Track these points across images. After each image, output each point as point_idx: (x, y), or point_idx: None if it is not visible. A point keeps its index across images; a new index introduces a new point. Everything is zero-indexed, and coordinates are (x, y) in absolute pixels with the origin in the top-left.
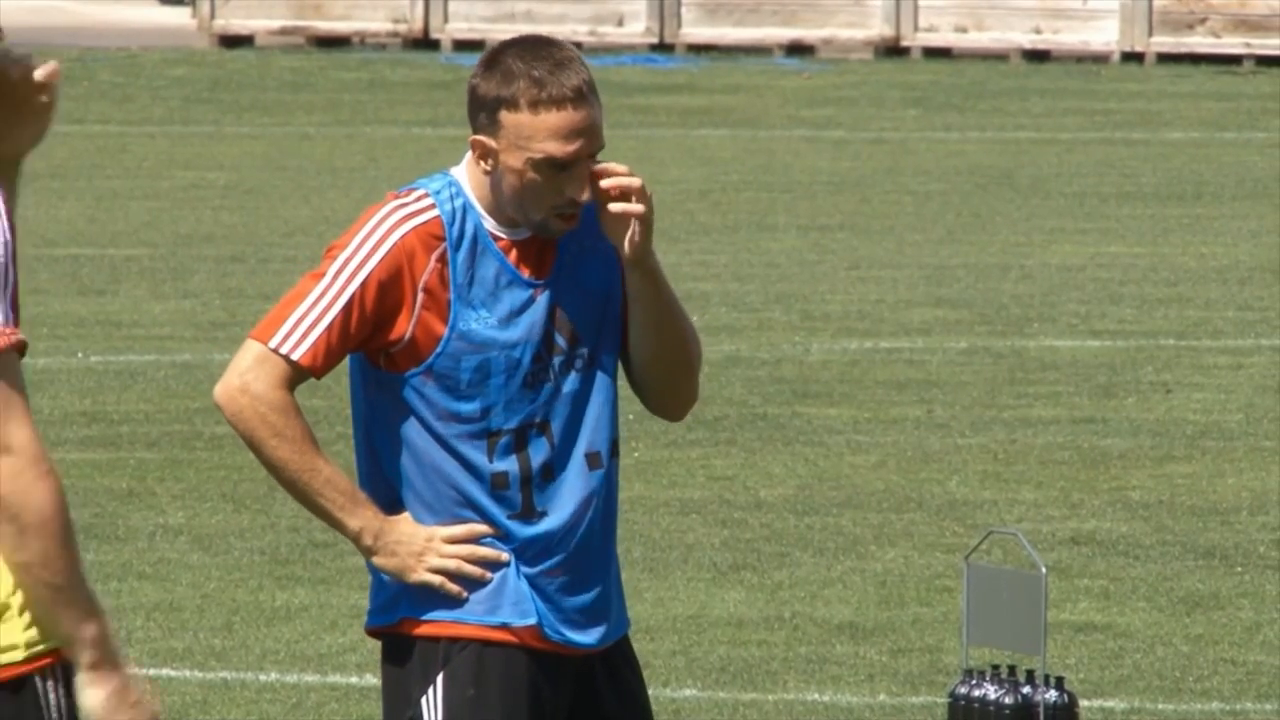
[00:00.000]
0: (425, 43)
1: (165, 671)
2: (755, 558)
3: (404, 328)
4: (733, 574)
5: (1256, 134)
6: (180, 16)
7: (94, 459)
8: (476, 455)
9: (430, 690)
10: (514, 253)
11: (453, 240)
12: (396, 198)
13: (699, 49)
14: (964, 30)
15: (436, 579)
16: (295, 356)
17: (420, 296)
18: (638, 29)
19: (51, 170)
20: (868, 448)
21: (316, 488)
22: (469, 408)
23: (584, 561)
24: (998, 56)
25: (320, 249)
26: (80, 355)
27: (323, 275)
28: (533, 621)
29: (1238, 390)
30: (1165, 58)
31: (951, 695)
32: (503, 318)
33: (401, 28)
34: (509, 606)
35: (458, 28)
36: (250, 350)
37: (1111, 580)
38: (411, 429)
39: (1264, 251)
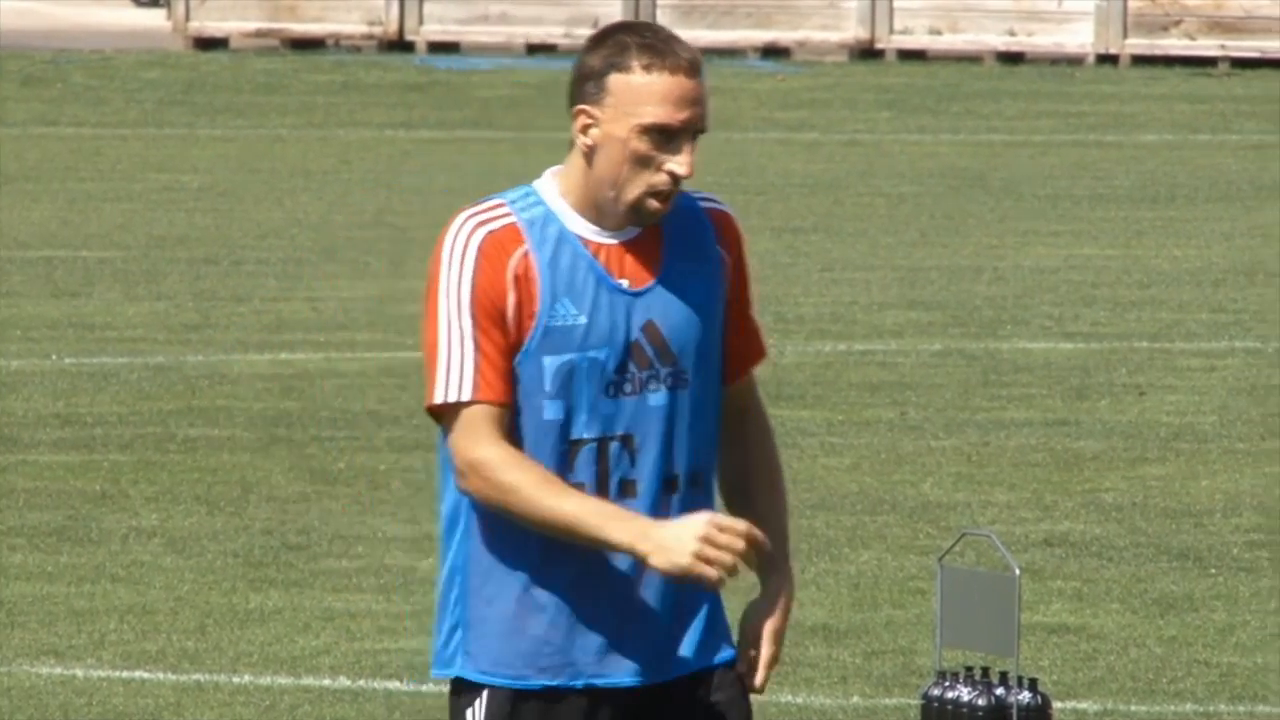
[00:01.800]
0: (400, 45)
1: (138, 674)
2: None
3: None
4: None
5: (1230, 136)
6: (155, 19)
7: (67, 461)
8: (557, 462)
9: None
10: (604, 255)
11: (534, 240)
12: (467, 209)
13: None
14: (938, 32)
15: (713, 573)
16: (469, 398)
17: (511, 294)
18: None
19: (25, 172)
20: (841, 450)
21: (569, 524)
22: (552, 411)
23: (661, 591)
24: (972, 59)
25: (293, 251)
26: (54, 357)
27: (437, 315)
28: (575, 684)
29: (1211, 392)
30: (1140, 60)
31: (924, 697)
32: (590, 318)
33: (376, 30)
34: (552, 668)
35: (432, 30)
36: (443, 425)
37: (1085, 582)
38: (517, 427)
39: (1237, 253)
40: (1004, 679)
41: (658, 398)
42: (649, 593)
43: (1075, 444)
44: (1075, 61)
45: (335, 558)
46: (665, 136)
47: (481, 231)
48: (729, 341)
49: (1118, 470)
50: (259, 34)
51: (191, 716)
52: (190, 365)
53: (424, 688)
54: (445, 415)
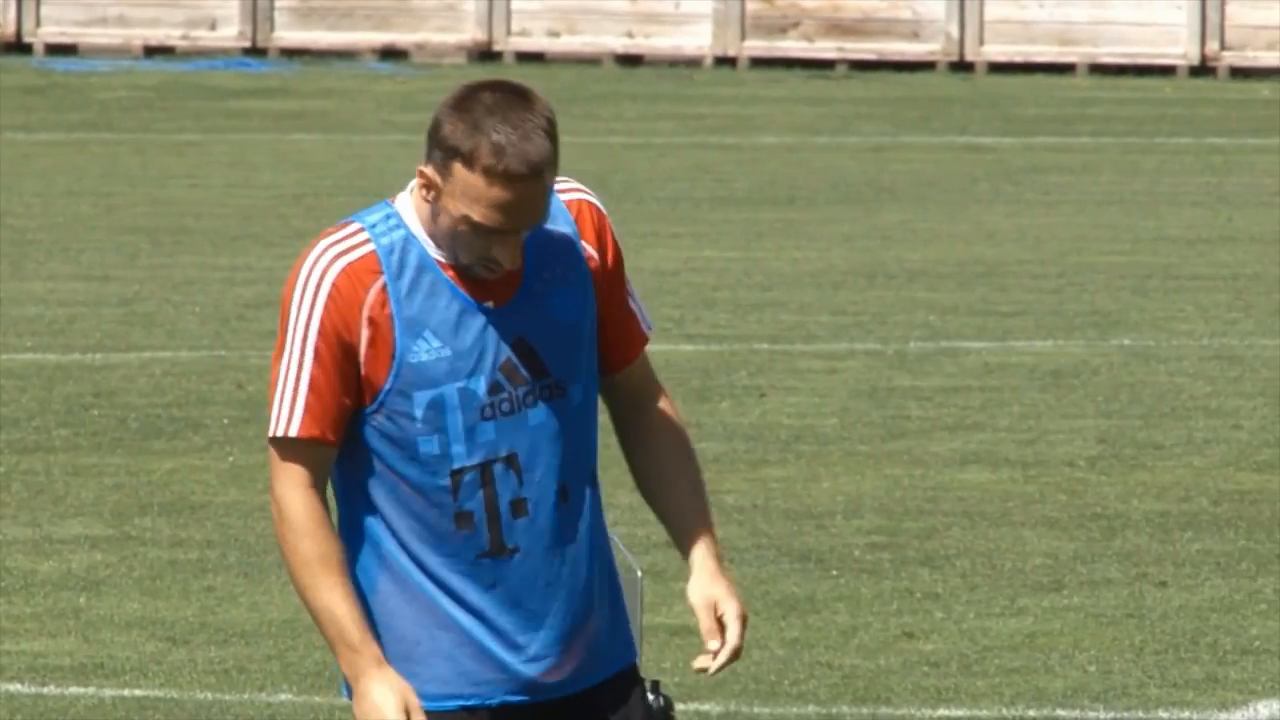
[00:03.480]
0: (18, 47)
1: None
2: None
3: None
4: None
5: (849, 138)
6: None
7: None
8: (441, 496)
9: None
10: (466, 280)
11: (391, 272)
12: (328, 235)
13: (292, 53)
14: (556, 35)
15: None
16: (293, 433)
17: (365, 332)
18: (230, 33)
19: None
20: None
21: (317, 618)
22: (428, 446)
23: (565, 599)
24: (591, 61)
25: None
26: None
27: (282, 346)
28: (487, 702)
29: (832, 394)
30: (758, 62)
31: None
32: (454, 346)
33: None
34: (466, 685)
35: (50, 32)
36: (270, 453)
37: None
38: (379, 471)
39: (857, 255)
40: None
41: (537, 413)
42: (552, 603)
43: (696, 446)
44: (694, 64)
45: None
46: (494, 233)
47: (338, 265)
48: (607, 333)
49: (738, 472)
50: None
51: None
52: None
53: (44, 690)
54: (273, 448)
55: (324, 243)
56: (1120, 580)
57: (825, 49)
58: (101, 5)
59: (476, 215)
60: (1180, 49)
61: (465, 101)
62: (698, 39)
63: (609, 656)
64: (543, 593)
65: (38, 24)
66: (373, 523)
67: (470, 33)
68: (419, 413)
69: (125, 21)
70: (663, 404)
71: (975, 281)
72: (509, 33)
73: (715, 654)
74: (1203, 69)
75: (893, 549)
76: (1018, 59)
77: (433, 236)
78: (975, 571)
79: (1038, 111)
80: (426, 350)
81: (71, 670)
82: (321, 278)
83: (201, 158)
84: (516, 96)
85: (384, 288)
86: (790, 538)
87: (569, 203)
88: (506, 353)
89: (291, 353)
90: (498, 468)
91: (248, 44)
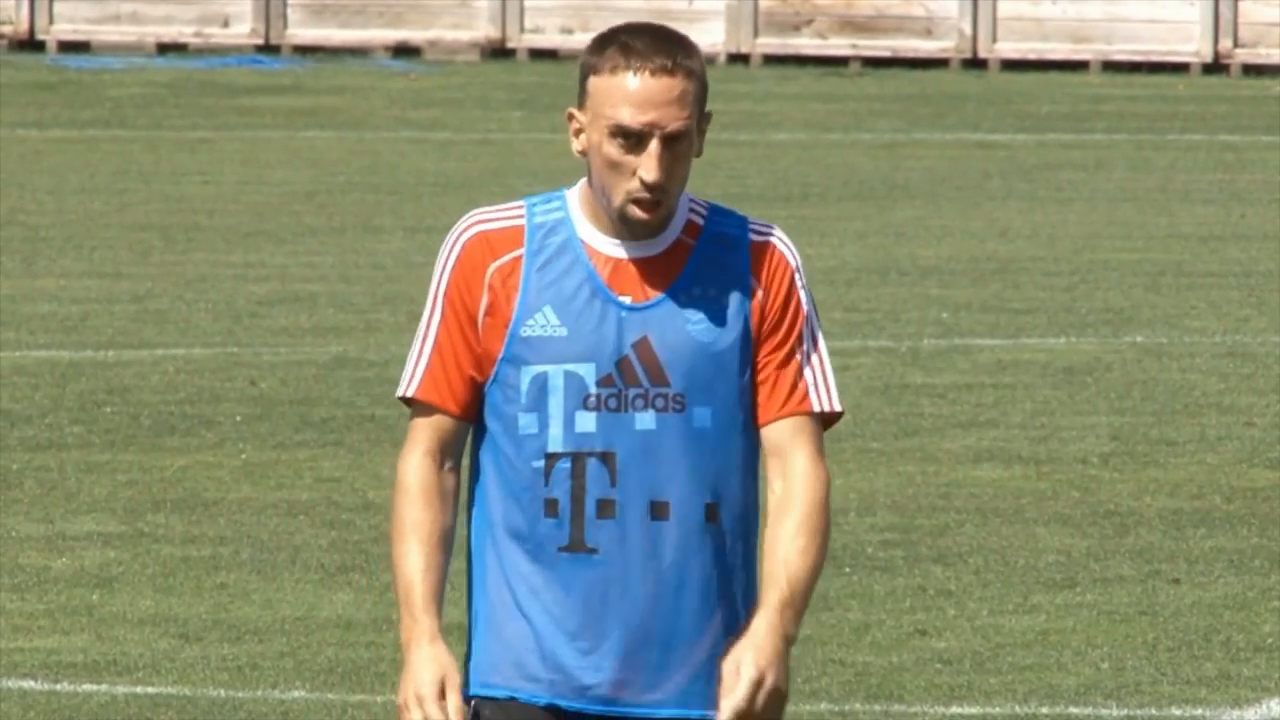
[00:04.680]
0: (31, 44)
1: None
2: (364, 559)
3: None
4: (341, 575)
5: (863, 135)
6: None
7: None
8: (534, 477)
9: None
10: (610, 269)
11: (532, 247)
12: (483, 206)
13: (305, 50)
14: (570, 31)
15: None
16: (412, 394)
17: (485, 299)
18: (243, 30)
19: None
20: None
21: (394, 580)
22: (527, 424)
23: (640, 616)
24: None
25: None
26: None
27: (424, 307)
28: (535, 700)
29: (845, 391)
30: (771, 59)
31: None
32: (572, 328)
33: (6, 29)
34: (517, 678)
35: (63, 29)
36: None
37: None
38: (492, 447)
39: (870, 253)
40: None
41: (645, 419)
42: (625, 616)
43: None
44: (707, 61)
45: None
46: (633, 140)
47: (472, 231)
48: (756, 381)
49: None
50: None
51: None
52: None
53: (58, 687)
54: (408, 409)
55: (475, 211)
56: (1133, 577)
57: (839, 46)
58: (114, 2)
59: (611, 118)
60: (1193, 46)
61: (601, 35)
62: (711, 36)
63: (692, 696)
64: (617, 603)
65: (51, 21)
66: (485, 499)
67: (483, 29)
68: (524, 388)
69: (138, 19)
70: (805, 476)
71: (988, 278)
72: (522, 29)
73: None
74: (1216, 66)
75: (905, 546)
76: (1031, 56)
77: (596, 220)
78: (988, 568)
79: (1051, 108)
80: (542, 325)
81: (84, 667)
82: (455, 242)
83: (214, 155)
84: (656, 26)
85: (517, 259)
86: None
87: (756, 241)
88: (628, 350)
89: (426, 315)
90: (591, 462)
91: (260, 41)
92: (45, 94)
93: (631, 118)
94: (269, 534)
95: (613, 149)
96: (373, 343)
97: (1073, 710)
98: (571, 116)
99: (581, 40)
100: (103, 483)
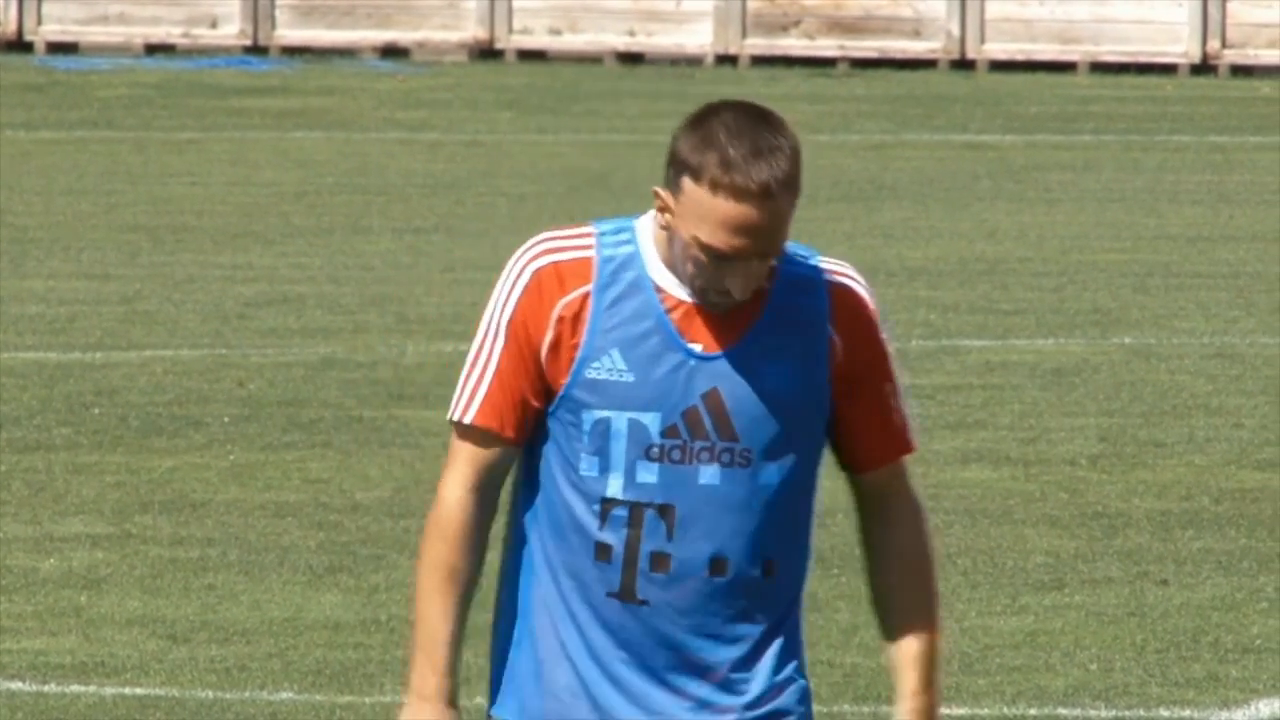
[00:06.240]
0: (19, 45)
1: None
2: (351, 560)
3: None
4: (329, 576)
5: (850, 136)
6: None
7: None
8: (588, 518)
9: None
10: (679, 313)
11: (601, 282)
12: (557, 229)
13: (293, 51)
14: (558, 32)
15: None
16: (470, 419)
17: (550, 334)
18: (231, 31)
19: None
20: None
21: (418, 616)
22: (587, 465)
23: (688, 673)
24: (592, 59)
25: None
26: None
27: (479, 329)
28: None
29: None
30: (759, 60)
31: None
32: (639, 374)
33: None
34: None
35: (51, 30)
36: (451, 439)
37: None
38: (545, 476)
39: (858, 253)
40: None
41: (710, 473)
42: (671, 673)
43: None
44: (695, 62)
45: None
46: (721, 257)
47: (544, 260)
48: (854, 431)
49: None
50: None
51: None
52: None
53: (46, 688)
54: (453, 433)
55: (544, 235)
56: (1121, 579)
57: (826, 47)
58: (102, 3)
59: (704, 235)
60: (1181, 47)
61: (703, 119)
62: (699, 37)
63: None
64: (666, 656)
65: (39, 22)
66: (530, 533)
67: (471, 30)
68: (585, 428)
69: (126, 19)
70: (908, 518)
71: (976, 279)
72: (510, 30)
73: None
74: (1204, 67)
75: None
76: (1019, 57)
77: (669, 265)
78: (976, 570)
79: (1039, 109)
80: (608, 369)
81: (72, 668)
82: (524, 269)
83: (202, 156)
84: (757, 116)
85: (586, 295)
86: None
87: (832, 285)
88: (695, 400)
89: (485, 338)
90: (649, 514)
91: (249, 42)
92: (33, 95)
93: (724, 243)
94: (257, 535)
95: (702, 256)
96: (361, 344)
97: (1061, 711)
98: (658, 194)
99: (569, 42)
100: (91, 484)
